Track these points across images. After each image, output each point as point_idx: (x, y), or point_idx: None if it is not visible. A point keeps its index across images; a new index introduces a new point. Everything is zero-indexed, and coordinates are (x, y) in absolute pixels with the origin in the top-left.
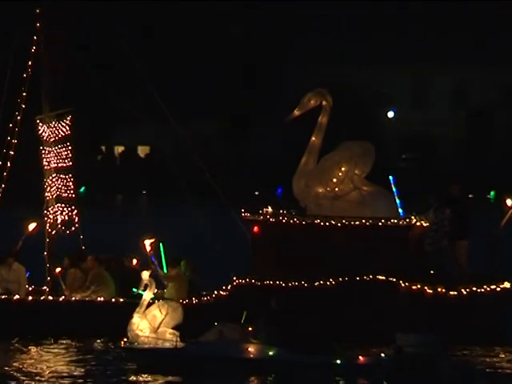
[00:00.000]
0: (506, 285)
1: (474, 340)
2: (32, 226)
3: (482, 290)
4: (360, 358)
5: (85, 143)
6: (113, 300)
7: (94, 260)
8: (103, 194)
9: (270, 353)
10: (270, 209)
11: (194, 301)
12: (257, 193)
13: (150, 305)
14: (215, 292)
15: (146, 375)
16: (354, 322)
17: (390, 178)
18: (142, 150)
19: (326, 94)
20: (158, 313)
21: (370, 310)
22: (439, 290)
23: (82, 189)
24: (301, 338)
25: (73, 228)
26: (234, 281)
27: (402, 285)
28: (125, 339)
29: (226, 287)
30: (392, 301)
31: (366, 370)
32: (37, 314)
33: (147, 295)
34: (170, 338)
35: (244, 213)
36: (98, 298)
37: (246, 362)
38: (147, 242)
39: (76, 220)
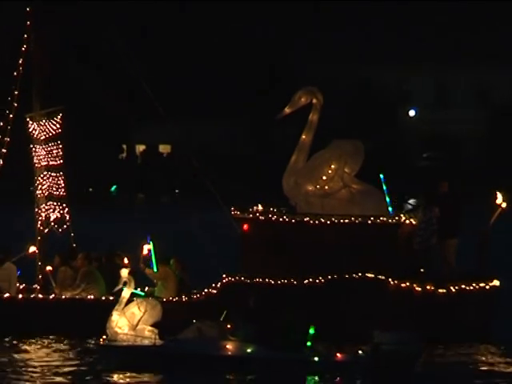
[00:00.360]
0: (496, 282)
1: (463, 338)
2: (32, 249)
3: (471, 288)
4: (337, 355)
5: (106, 142)
6: (103, 298)
7: (83, 258)
8: (126, 193)
9: (248, 350)
10: (260, 207)
11: (184, 298)
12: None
13: (129, 302)
14: (205, 290)
15: (125, 372)
16: (342, 319)
17: (381, 176)
18: (164, 149)
19: (317, 92)
20: (136, 310)
21: (358, 308)
22: (428, 287)
23: (114, 188)
24: (278, 335)
25: (64, 226)
26: (224, 278)
27: (391, 283)
28: (104, 337)
29: (216, 285)
30: (381, 299)
31: (343, 367)
32: (27, 312)
33: (126, 293)
34: (148, 335)
35: (234, 211)
36: (88, 296)
37: (224, 359)
38: (146, 247)
39: (67, 218)
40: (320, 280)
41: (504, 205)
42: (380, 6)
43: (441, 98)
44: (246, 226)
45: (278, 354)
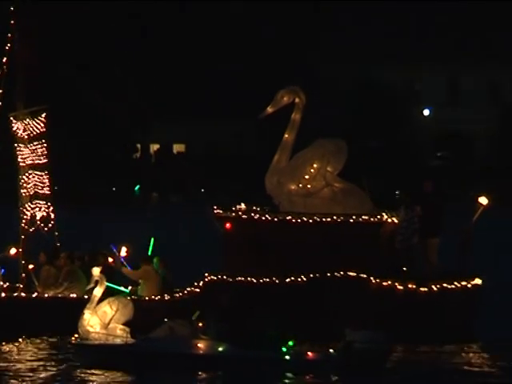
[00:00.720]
0: (478, 281)
1: (445, 336)
2: (13, 251)
3: (453, 287)
4: (309, 353)
5: (121, 141)
6: (85, 297)
7: (66, 257)
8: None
9: (220, 349)
10: (243, 205)
11: (167, 297)
12: None
13: (101, 301)
14: (187, 288)
15: (96, 371)
16: (324, 318)
17: (362, 176)
18: (177, 148)
19: (299, 91)
20: (108, 309)
21: (340, 307)
22: (410, 286)
23: (137, 187)
24: (250, 334)
25: (49, 225)
26: (206, 277)
27: (373, 281)
28: (75, 335)
29: (198, 284)
30: (363, 297)
31: (314, 366)
32: (10, 310)
33: (98, 291)
34: (120, 334)
35: (216, 209)
36: (71, 295)
37: (196, 358)
38: (123, 249)
39: (52, 217)
40: (302, 279)
41: (486, 203)
42: (386, 4)
43: (452, 97)
44: (228, 225)
45: (250, 353)
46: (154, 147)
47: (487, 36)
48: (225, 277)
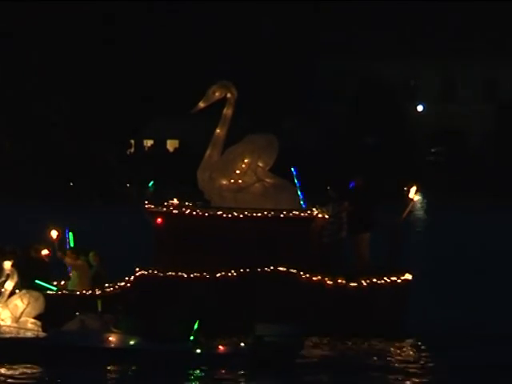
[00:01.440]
0: (408, 276)
1: (374, 331)
2: None
3: (383, 282)
4: (219, 347)
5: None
6: (16, 291)
7: None
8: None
9: (131, 342)
10: (175, 201)
11: (98, 292)
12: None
13: (12, 294)
14: (118, 283)
15: (7, 364)
16: (254, 312)
17: (292, 169)
18: (171, 144)
19: (231, 86)
20: (19, 303)
21: (270, 301)
22: (339, 281)
23: (151, 183)
24: (161, 327)
25: None
26: (137, 272)
27: (303, 276)
28: None
29: (129, 278)
30: (293, 292)
31: (225, 359)
32: None
33: (8, 285)
34: (31, 327)
35: (148, 204)
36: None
37: (107, 351)
38: (53, 233)
39: None
40: (232, 273)
41: (416, 198)
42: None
43: (447, 92)
44: (159, 220)
45: (161, 346)
46: (148, 143)
47: (482, 30)
48: (155, 272)
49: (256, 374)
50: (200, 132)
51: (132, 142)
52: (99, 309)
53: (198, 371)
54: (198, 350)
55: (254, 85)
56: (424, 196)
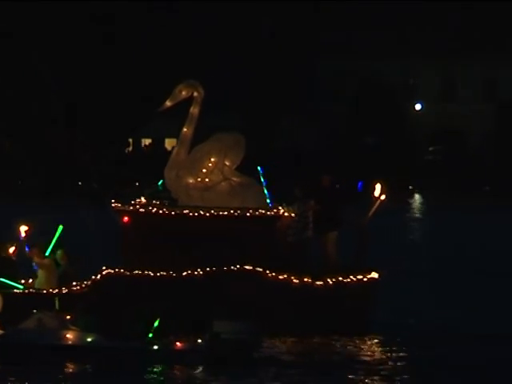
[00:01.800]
0: (374, 275)
1: (340, 329)
2: None
3: (349, 280)
4: (176, 343)
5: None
6: None
7: None
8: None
9: (88, 339)
10: (143, 199)
11: (64, 290)
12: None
13: None
14: (85, 282)
15: None
16: (220, 311)
17: (259, 168)
18: (170, 143)
19: (198, 85)
20: None
21: (236, 300)
22: (306, 279)
23: (160, 182)
24: (118, 324)
25: None
26: (103, 271)
27: (269, 275)
28: None
29: (96, 277)
30: (258, 290)
31: (181, 356)
32: None
33: None
34: None
35: (114, 203)
36: None
37: (65, 349)
38: (22, 229)
39: None
40: (199, 272)
41: (383, 197)
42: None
43: (447, 92)
44: (126, 219)
45: (118, 343)
46: (146, 141)
47: (483, 32)
48: (122, 270)
49: (212, 370)
50: (198, 131)
51: (130, 140)
52: (57, 307)
53: (155, 367)
54: (155, 347)
55: (254, 85)
56: (424, 196)
